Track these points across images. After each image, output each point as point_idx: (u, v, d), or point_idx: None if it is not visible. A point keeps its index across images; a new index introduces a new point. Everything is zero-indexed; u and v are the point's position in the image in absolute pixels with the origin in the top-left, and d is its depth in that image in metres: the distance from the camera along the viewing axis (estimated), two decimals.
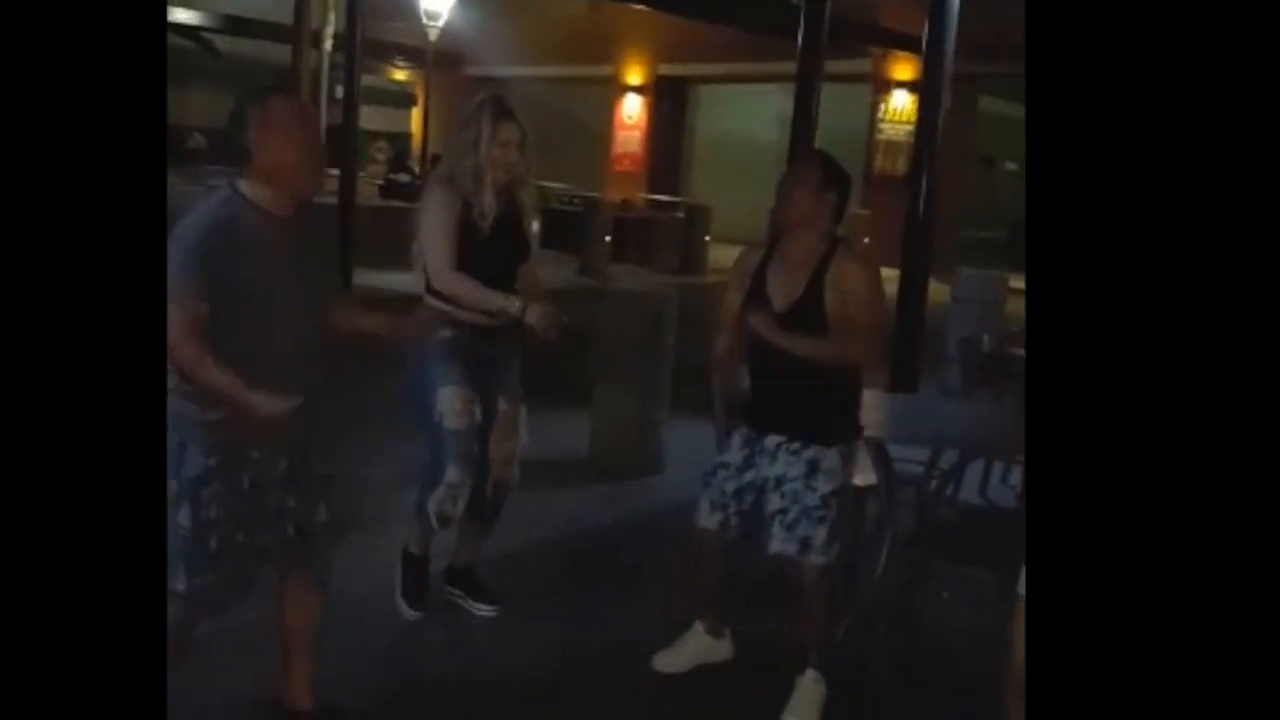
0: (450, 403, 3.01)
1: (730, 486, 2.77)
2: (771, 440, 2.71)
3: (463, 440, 3.02)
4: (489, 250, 3.05)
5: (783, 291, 2.69)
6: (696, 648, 2.95)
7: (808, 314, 2.64)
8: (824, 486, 2.66)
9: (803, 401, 2.68)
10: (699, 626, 2.95)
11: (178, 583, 2.23)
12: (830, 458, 2.67)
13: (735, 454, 2.78)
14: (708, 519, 2.80)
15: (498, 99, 3.09)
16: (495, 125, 3.01)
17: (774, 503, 2.70)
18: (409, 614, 3.20)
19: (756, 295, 2.73)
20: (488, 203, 3.03)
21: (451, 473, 3.00)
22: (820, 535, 2.66)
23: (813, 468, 2.67)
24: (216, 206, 2.18)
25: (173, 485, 2.19)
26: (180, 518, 2.20)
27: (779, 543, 2.69)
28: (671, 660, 2.93)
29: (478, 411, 3.08)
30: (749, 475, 2.75)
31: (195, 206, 2.19)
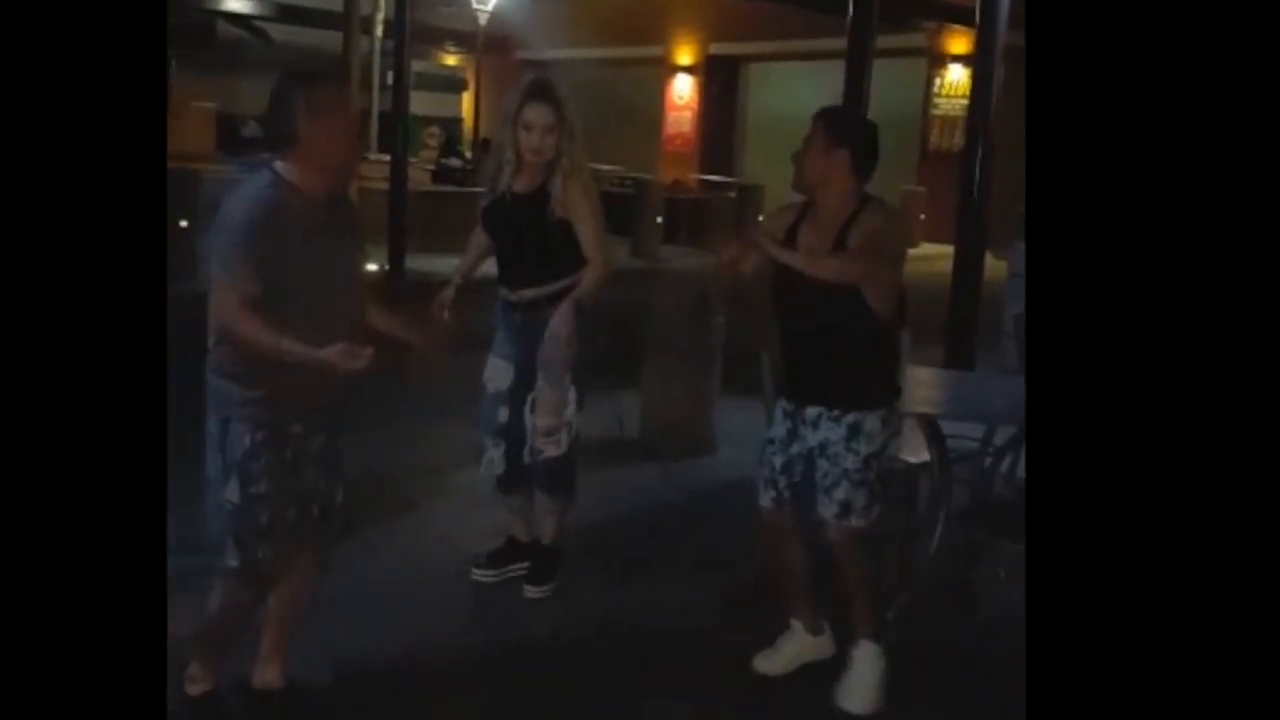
0: (488, 370, 3.28)
1: (778, 461, 2.78)
2: (812, 411, 2.71)
3: (488, 406, 3.28)
4: (508, 230, 3.15)
5: (809, 247, 2.67)
6: (796, 647, 2.90)
7: None
8: (864, 449, 2.66)
9: (838, 370, 2.67)
10: (796, 625, 2.91)
11: (230, 559, 2.28)
12: (870, 420, 2.66)
13: (779, 428, 2.78)
14: (763, 497, 2.81)
15: (537, 81, 3.12)
16: (522, 106, 3.06)
17: (821, 467, 2.70)
18: (477, 576, 3.36)
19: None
20: (504, 181, 3.13)
21: (484, 438, 3.30)
22: (860, 498, 2.66)
23: (854, 431, 2.66)
24: (262, 190, 2.20)
25: (217, 462, 2.25)
26: (229, 493, 2.25)
27: (820, 507, 2.70)
28: (772, 662, 2.88)
29: (505, 378, 3.24)
30: (795, 448, 2.75)
31: (238, 190, 2.23)
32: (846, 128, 2.73)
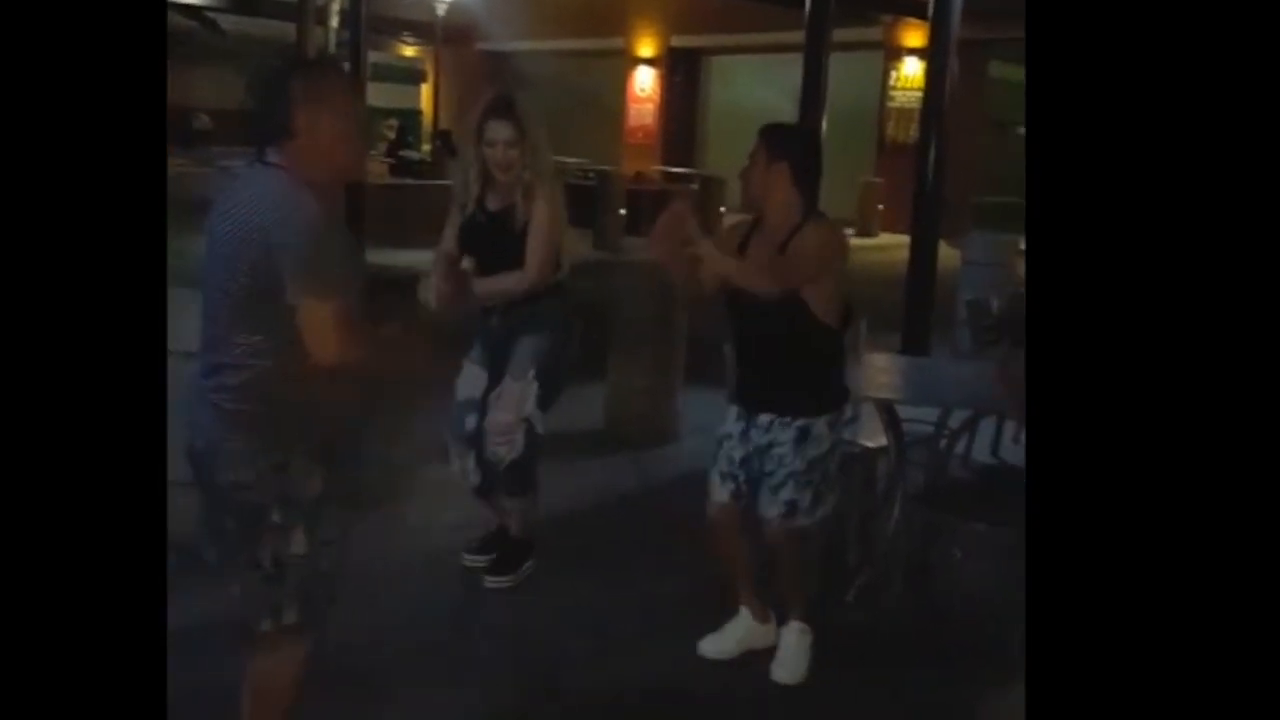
0: (461, 377, 3.30)
1: (737, 455, 2.83)
2: (763, 418, 2.78)
3: (456, 410, 3.30)
4: (484, 246, 3.17)
5: (757, 261, 2.73)
6: (742, 633, 2.99)
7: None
8: (812, 452, 2.74)
9: (788, 381, 2.75)
10: (744, 611, 2.99)
11: (288, 617, 2.01)
12: (819, 425, 2.75)
13: (734, 424, 2.85)
14: (719, 491, 2.86)
15: (497, 98, 3.15)
16: (483, 123, 3.09)
17: (767, 465, 2.77)
18: (468, 560, 3.42)
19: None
20: (473, 196, 3.18)
21: (450, 445, 3.33)
22: (805, 498, 2.75)
23: (803, 435, 2.74)
24: (298, 190, 1.93)
25: (265, 516, 1.97)
26: (294, 547, 1.97)
27: (764, 505, 2.78)
28: (717, 645, 2.97)
29: (478, 385, 3.27)
30: (750, 443, 2.81)
31: (239, 186, 1.98)
32: (787, 142, 2.78)
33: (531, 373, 3.19)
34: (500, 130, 3.08)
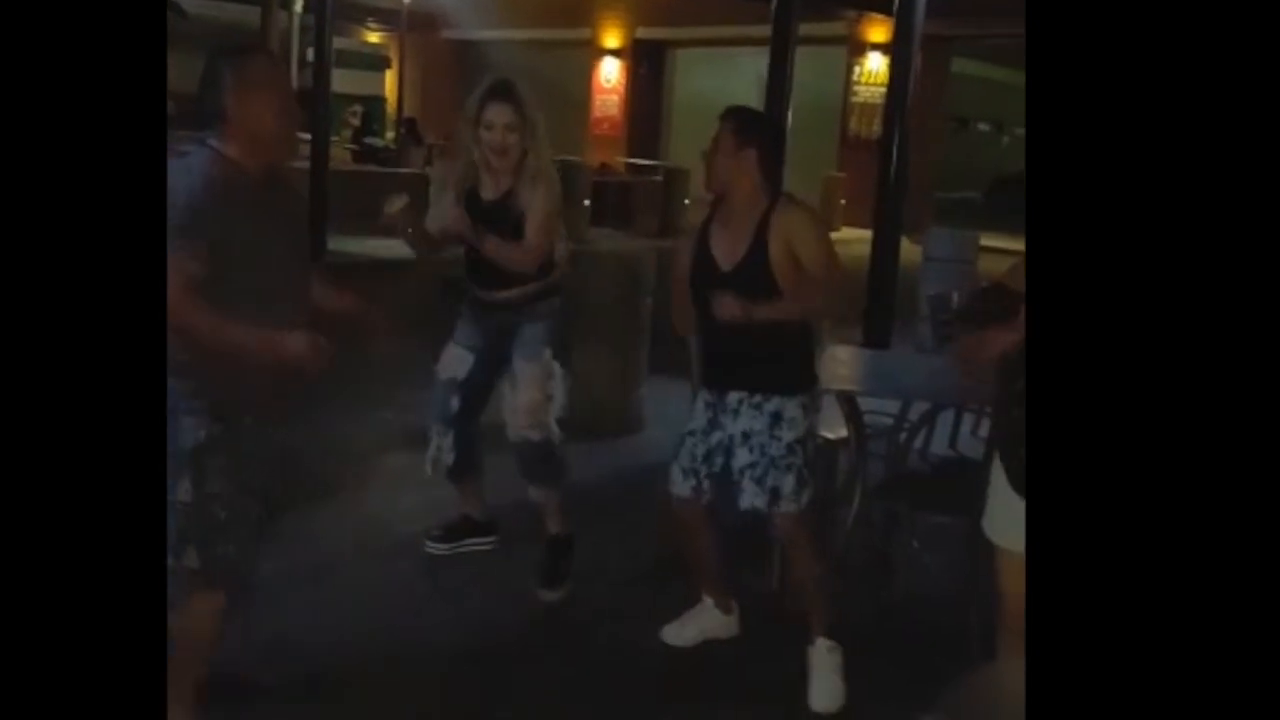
0: (445, 357, 3.28)
1: (700, 451, 2.81)
2: (733, 397, 2.74)
3: (440, 392, 3.28)
4: (485, 239, 3.12)
5: (726, 251, 2.71)
6: (704, 623, 2.99)
7: (754, 271, 2.65)
8: (788, 435, 2.70)
9: (758, 356, 2.70)
10: (708, 602, 2.99)
11: (189, 561, 2.15)
12: (792, 407, 2.71)
13: (700, 419, 2.82)
14: (681, 486, 2.83)
15: (498, 80, 3.10)
16: (483, 105, 3.05)
17: (742, 458, 2.73)
18: (433, 549, 3.41)
19: (701, 257, 2.76)
20: (484, 187, 3.13)
21: (431, 425, 3.30)
22: (788, 483, 2.70)
23: (776, 419, 2.70)
24: (202, 165, 2.12)
25: (172, 458, 2.05)
26: (180, 493, 2.12)
27: (749, 497, 2.72)
28: (678, 633, 2.97)
29: (462, 367, 3.24)
30: (716, 436, 2.78)
31: (175, 166, 2.08)
32: (754, 127, 2.75)
33: (548, 353, 3.16)
34: (501, 113, 3.03)
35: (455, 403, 3.25)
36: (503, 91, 3.06)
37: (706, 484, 2.81)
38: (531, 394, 3.15)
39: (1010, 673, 1.78)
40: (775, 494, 2.70)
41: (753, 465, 2.71)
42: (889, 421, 3.63)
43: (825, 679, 2.75)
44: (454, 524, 3.45)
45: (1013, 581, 2.22)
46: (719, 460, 2.79)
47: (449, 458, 3.29)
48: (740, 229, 2.70)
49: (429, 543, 3.42)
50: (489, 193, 3.14)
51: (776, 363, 2.73)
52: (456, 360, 3.26)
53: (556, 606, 3.19)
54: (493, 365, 3.23)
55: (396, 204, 2.95)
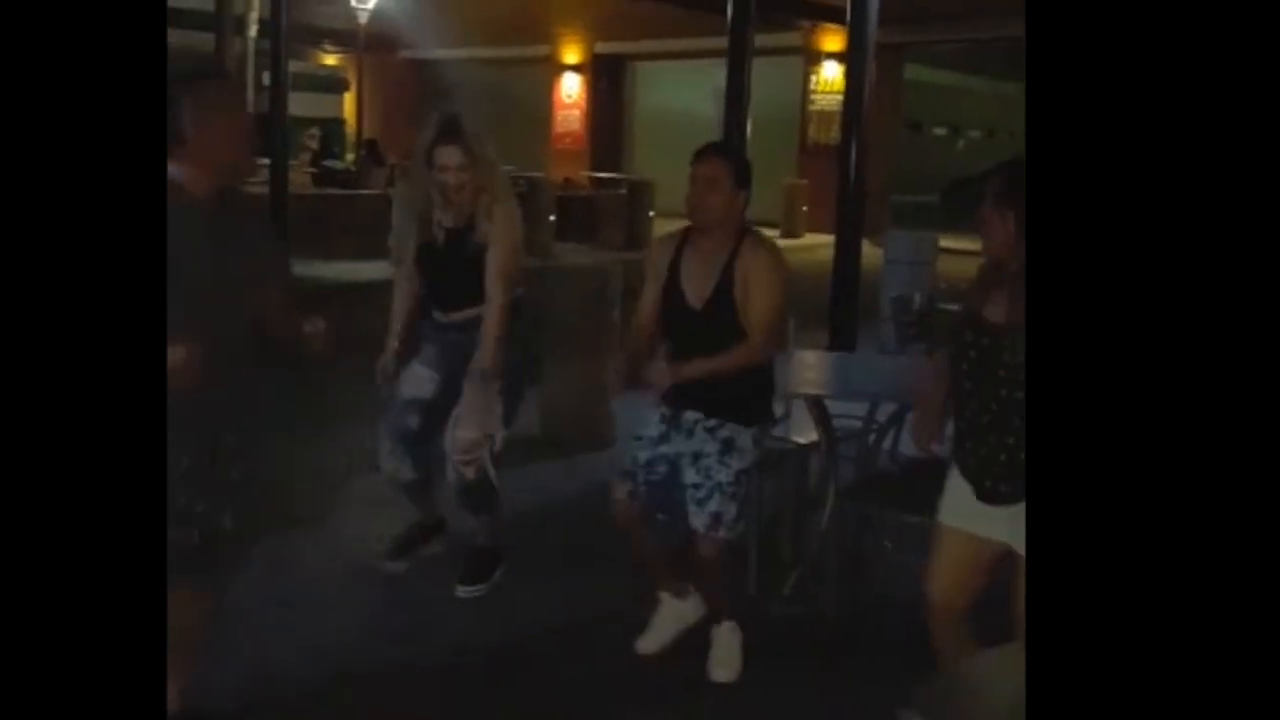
0: (407, 377, 3.29)
1: (643, 456, 2.85)
2: (689, 416, 2.80)
3: (400, 411, 3.29)
4: (441, 262, 3.20)
5: (696, 289, 2.77)
6: (669, 617, 3.02)
7: (722, 310, 2.73)
8: (737, 464, 2.76)
9: (719, 383, 2.75)
10: (664, 596, 3.02)
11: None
12: (744, 437, 2.78)
13: (653, 428, 2.86)
14: (618, 489, 2.87)
15: (444, 120, 3.13)
16: (432, 148, 3.09)
17: (689, 476, 2.78)
18: (390, 568, 3.42)
19: (673, 295, 2.81)
20: (441, 220, 3.18)
21: (386, 443, 3.31)
22: (730, 511, 2.76)
23: (728, 446, 2.76)
24: None
25: None
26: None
27: (690, 517, 2.78)
28: (652, 639, 2.99)
29: (426, 387, 3.27)
30: (664, 448, 2.83)
31: None
32: (747, 171, 2.80)
33: (496, 385, 3.17)
34: (451, 155, 3.07)
35: (414, 422, 3.26)
36: (451, 133, 3.08)
37: (642, 489, 2.85)
38: (470, 432, 3.16)
39: (985, 669, 1.81)
40: (717, 519, 2.76)
41: (696, 486, 2.77)
42: (858, 424, 3.67)
43: (727, 653, 2.89)
44: (403, 538, 3.46)
45: (943, 552, 2.37)
46: (660, 470, 2.83)
47: (406, 474, 3.32)
48: (711, 264, 2.76)
49: (385, 563, 3.42)
50: (449, 221, 3.18)
51: (735, 392, 2.78)
52: (420, 380, 3.28)
53: (526, 625, 3.19)
54: (452, 387, 3.23)
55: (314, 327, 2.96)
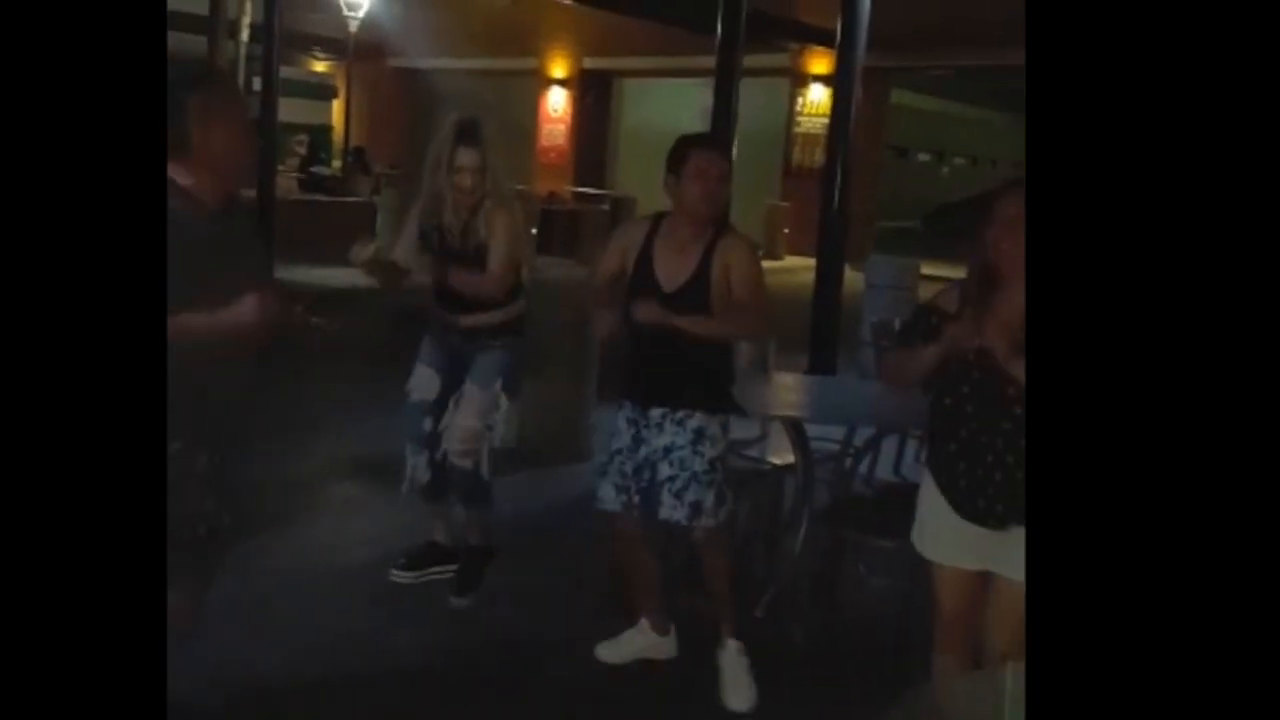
0: (414, 379, 3.34)
1: (629, 467, 2.86)
2: (656, 412, 2.82)
3: (412, 414, 3.33)
4: (447, 269, 3.21)
5: (670, 273, 2.77)
6: (640, 643, 3.02)
7: (695, 295, 2.73)
8: (709, 452, 2.80)
9: (683, 373, 2.78)
10: (644, 623, 3.02)
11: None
12: (713, 425, 2.81)
13: (624, 436, 2.87)
14: (613, 502, 2.88)
15: (465, 123, 3.19)
16: (454, 151, 3.14)
17: (663, 471, 2.80)
18: (400, 578, 3.40)
19: (643, 277, 2.80)
20: (449, 223, 3.22)
21: (405, 446, 3.35)
22: (709, 499, 2.79)
23: (698, 435, 2.79)
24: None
25: None
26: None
27: (668, 509, 2.80)
28: (613, 651, 3.00)
29: (433, 388, 3.31)
30: (643, 452, 2.85)
31: None
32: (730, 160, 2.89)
33: (498, 383, 3.25)
34: (469, 157, 3.14)
35: (428, 424, 3.31)
36: (471, 136, 3.16)
37: (637, 499, 2.86)
38: (471, 421, 3.23)
39: (950, 687, 1.82)
40: (696, 509, 2.79)
41: (672, 479, 2.79)
42: (835, 447, 3.68)
43: (737, 679, 2.85)
44: (420, 552, 3.46)
45: (947, 594, 2.30)
46: (646, 475, 2.85)
47: (424, 476, 3.36)
48: (688, 253, 2.77)
49: (394, 571, 3.41)
50: (453, 224, 3.22)
51: (699, 380, 2.81)
52: (427, 381, 3.33)
53: (501, 632, 3.17)
54: (456, 387, 3.29)
55: (365, 252, 3.01)
